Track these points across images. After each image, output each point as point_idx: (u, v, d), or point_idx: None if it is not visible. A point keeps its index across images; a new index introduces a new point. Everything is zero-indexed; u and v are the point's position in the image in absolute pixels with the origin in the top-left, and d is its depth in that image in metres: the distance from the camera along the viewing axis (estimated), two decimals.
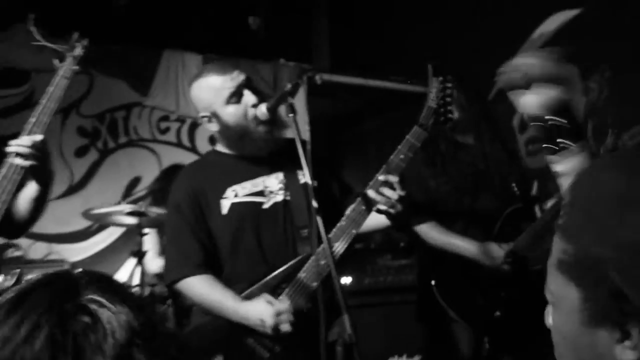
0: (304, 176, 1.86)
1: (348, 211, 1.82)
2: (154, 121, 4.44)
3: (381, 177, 1.81)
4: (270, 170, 1.95)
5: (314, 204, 1.55)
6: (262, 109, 1.81)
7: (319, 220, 1.53)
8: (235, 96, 1.85)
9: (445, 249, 2.29)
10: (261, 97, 1.88)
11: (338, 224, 1.82)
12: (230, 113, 1.86)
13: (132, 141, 4.30)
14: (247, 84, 1.88)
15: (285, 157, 1.93)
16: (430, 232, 2.31)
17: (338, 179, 2.11)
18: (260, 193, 1.90)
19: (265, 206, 1.89)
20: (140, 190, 4.20)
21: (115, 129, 4.23)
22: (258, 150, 1.91)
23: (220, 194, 1.89)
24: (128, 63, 4.19)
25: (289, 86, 1.68)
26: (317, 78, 4.75)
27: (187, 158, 4.27)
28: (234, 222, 1.87)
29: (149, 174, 4.22)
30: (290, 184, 1.92)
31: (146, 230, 3.17)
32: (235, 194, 1.89)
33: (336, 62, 5.10)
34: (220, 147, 2.02)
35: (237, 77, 1.87)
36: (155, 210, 3.14)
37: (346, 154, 6.15)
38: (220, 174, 1.93)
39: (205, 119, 1.93)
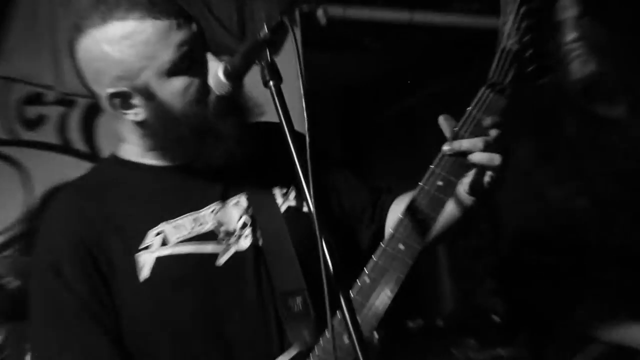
0: (290, 198, 2.04)
1: (383, 246, 1.86)
2: (13, 105, 4.37)
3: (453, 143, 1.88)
4: (224, 191, 2.02)
5: (325, 251, 1.54)
6: (218, 73, 1.86)
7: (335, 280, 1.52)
8: (187, 60, 1.91)
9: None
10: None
11: (362, 276, 1.84)
12: (177, 91, 1.91)
13: None
14: (204, 40, 1.96)
15: (249, 163, 2.00)
16: None
17: (356, 183, 2.25)
18: (210, 236, 1.95)
19: (221, 260, 1.94)
20: None
21: None
22: (210, 158, 1.97)
23: (134, 242, 1.92)
24: None
25: (265, 30, 1.70)
26: (319, 14, 4.68)
27: (83, 171, 4.24)
28: (163, 293, 1.90)
29: (8, 208, 4.12)
30: (262, 213, 2.01)
31: None
32: (163, 241, 1.92)
33: None
34: (131, 151, 2.06)
35: (187, 25, 1.93)
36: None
37: (375, 147, 6.33)
38: (133, 203, 1.98)
39: (117, 99, 1.94)
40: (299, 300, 1.91)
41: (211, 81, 1.88)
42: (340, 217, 2.16)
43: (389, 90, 6.07)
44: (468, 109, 1.87)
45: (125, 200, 1.98)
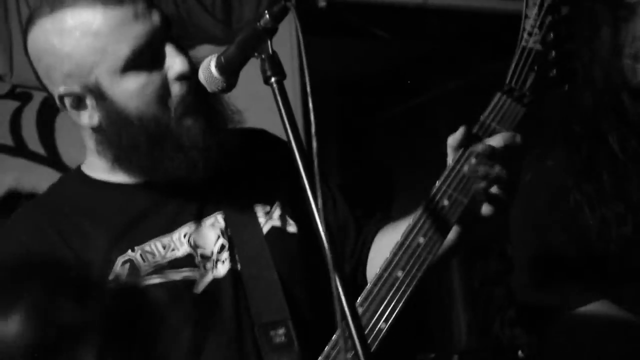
0: (274, 217, 2.07)
1: (379, 272, 1.88)
2: None
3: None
4: (199, 209, 2.06)
5: (336, 279, 1.49)
6: (211, 66, 1.85)
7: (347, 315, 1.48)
8: (144, 56, 1.92)
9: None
10: (190, 60, 1.97)
11: (364, 293, 1.87)
12: (132, 91, 1.94)
13: None
14: (166, 33, 1.97)
15: (227, 176, 2.05)
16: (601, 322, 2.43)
17: (343, 208, 2.25)
18: (185, 261, 2.00)
19: (199, 288, 1.99)
20: None
21: None
22: (168, 171, 1.99)
23: (102, 271, 1.95)
24: None
25: (267, 17, 1.69)
26: None
27: (40, 177, 4.22)
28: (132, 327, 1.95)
29: None
30: (241, 235, 2.06)
31: None
32: (132, 267, 1.98)
33: None
34: (97, 167, 2.08)
35: (146, 16, 1.94)
36: None
37: (377, 151, 6.35)
38: (99, 228, 2.03)
39: (69, 99, 1.97)
40: (281, 331, 1.93)
41: (202, 76, 1.86)
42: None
43: (395, 86, 6.04)
44: (481, 117, 1.87)
45: (90, 226, 2.00)
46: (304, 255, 1.98)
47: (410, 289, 1.84)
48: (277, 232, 2.04)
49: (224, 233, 2.03)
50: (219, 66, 1.81)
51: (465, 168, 1.86)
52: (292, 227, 2.07)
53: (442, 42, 5.42)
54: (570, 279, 2.40)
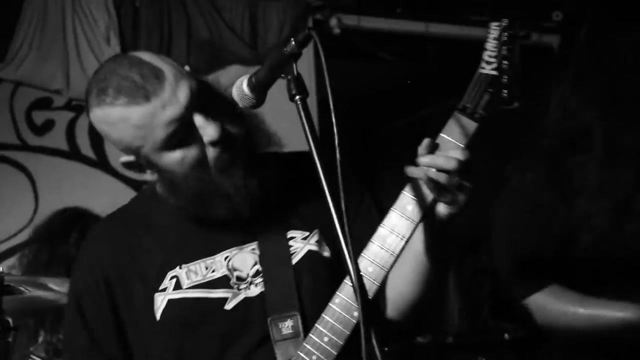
0: (312, 242, 2.13)
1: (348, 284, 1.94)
2: (21, 110, 4.55)
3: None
4: (243, 236, 2.14)
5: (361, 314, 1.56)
6: (243, 86, 1.89)
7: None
8: (178, 134, 1.98)
9: (585, 331, 2.45)
10: (220, 109, 2.02)
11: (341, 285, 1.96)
12: (174, 162, 2.02)
13: None
14: (196, 102, 1.99)
15: (271, 203, 2.10)
16: (550, 305, 2.50)
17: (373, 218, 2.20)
18: (221, 282, 2.09)
19: (230, 305, 2.08)
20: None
21: None
22: (216, 217, 2.08)
23: (154, 283, 2.10)
24: None
25: (292, 43, 1.76)
26: (333, 23, 4.89)
27: (90, 177, 4.47)
28: (171, 335, 2.09)
29: (15, 213, 4.31)
30: (269, 260, 2.12)
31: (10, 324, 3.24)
32: (176, 283, 2.10)
33: None
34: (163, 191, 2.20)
35: (173, 100, 1.96)
36: (30, 280, 3.28)
37: (382, 162, 6.38)
38: (158, 244, 2.16)
39: (129, 165, 2.11)
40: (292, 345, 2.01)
41: (235, 94, 1.91)
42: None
43: (398, 103, 6.15)
44: (440, 134, 1.90)
45: (152, 241, 2.14)
46: (334, 279, 1.95)
47: (378, 284, 1.92)
48: (312, 256, 2.09)
49: (258, 257, 2.10)
50: (250, 85, 1.86)
51: (416, 173, 1.87)
52: (327, 252, 2.11)
53: (440, 65, 5.50)
54: (543, 277, 2.46)
